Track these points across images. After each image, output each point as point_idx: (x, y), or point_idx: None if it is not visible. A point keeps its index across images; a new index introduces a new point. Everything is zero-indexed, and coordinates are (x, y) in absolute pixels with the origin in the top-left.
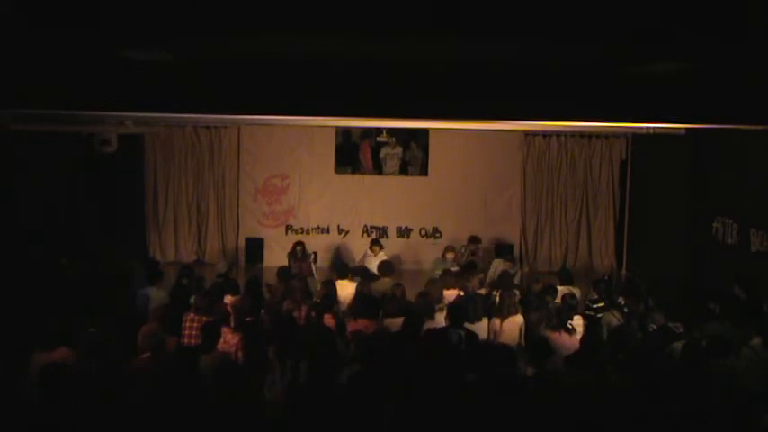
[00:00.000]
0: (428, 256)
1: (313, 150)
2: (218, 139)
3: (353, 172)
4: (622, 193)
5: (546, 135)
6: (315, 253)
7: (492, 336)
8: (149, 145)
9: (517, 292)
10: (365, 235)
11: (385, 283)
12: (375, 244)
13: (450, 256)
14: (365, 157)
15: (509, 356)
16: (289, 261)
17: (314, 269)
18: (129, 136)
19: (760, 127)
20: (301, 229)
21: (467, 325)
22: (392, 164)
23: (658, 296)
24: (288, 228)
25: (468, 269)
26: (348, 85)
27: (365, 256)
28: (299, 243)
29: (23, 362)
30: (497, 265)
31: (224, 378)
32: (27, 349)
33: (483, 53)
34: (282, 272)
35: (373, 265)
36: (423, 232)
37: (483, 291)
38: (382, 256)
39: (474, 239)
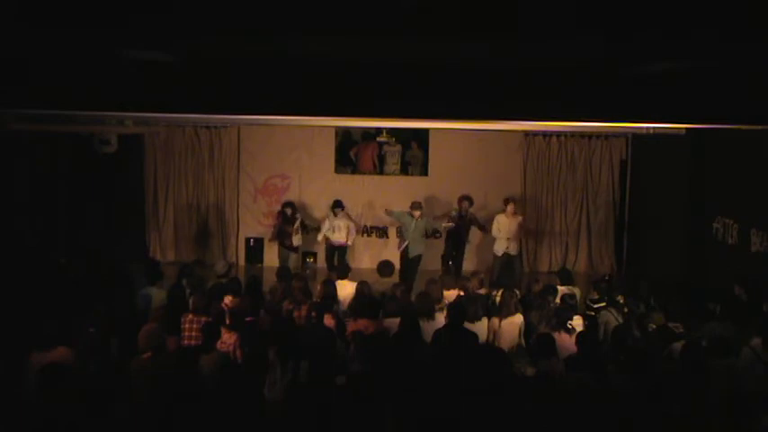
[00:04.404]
0: (429, 255)
1: (313, 150)
2: (218, 139)
3: (353, 172)
4: (622, 193)
5: (546, 135)
6: (301, 219)
7: (491, 336)
8: (149, 145)
9: (517, 292)
10: (365, 235)
11: (385, 283)
12: (337, 206)
13: (417, 213)
14: (366, 157)
15: (502, 357)
16: (276, 222)
17: (298, 233)
18: (129, 136)
19: (760, 127)
20: None
21: (467, 325)
22: (392, 162)
23: (658, 296)
24: None
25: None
26: (348, 85)
27: (327, 218)
28: (290, 204)
29: (23, 362)
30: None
31: (224, 378)
32: (26, 349)
33: (483, 53)
34: (282, 272)
35: (335, 225)
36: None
37: (483, 291)
38: (344, 217)
39: (465, 198)
